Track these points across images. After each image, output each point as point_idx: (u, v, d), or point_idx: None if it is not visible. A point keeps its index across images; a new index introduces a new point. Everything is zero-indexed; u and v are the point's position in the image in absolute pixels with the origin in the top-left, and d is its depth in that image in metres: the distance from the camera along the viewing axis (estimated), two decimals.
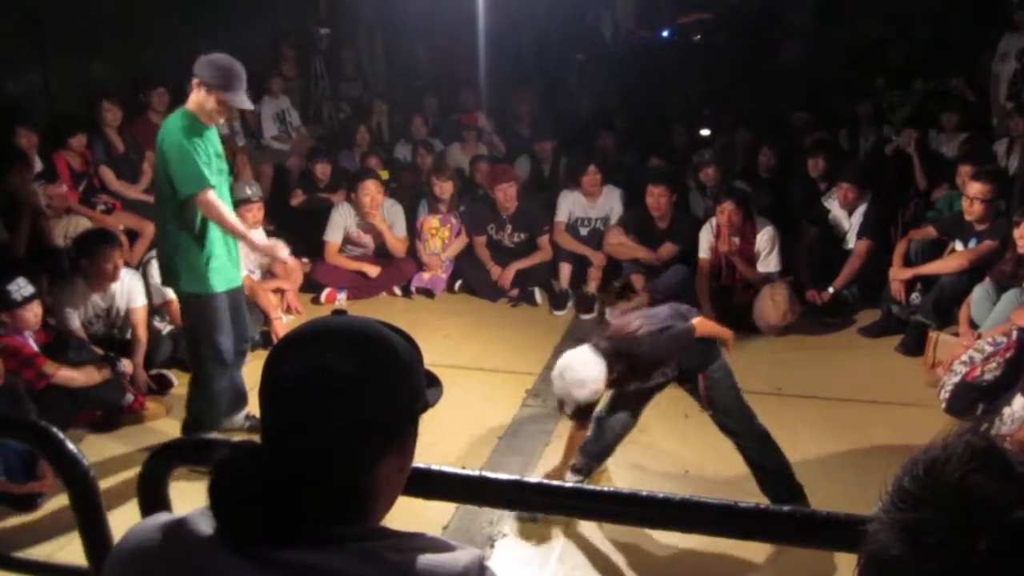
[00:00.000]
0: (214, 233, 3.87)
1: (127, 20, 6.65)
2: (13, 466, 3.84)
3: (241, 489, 1.05)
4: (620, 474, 4.06)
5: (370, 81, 9.68)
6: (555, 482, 1.87)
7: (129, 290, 4.90)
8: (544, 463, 4.20)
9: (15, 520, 3.79)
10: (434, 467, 1.86)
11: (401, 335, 1.18)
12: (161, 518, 1.13)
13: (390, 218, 6.45)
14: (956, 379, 4.34)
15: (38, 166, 5.68)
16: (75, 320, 4.69)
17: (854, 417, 4.52)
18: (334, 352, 1.08)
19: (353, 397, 1.07)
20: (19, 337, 4.24)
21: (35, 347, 4.31)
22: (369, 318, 1.20)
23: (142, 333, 4.88)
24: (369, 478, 1.10)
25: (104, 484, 2.22)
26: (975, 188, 5.05)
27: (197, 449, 2.02)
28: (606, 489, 1.83)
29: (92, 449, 4.15)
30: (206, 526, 1.07)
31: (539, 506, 1.90)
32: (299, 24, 8.86)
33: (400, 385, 1.13)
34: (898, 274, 5.30)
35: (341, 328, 1.14)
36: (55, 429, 2.17)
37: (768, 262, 5.64)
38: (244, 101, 3.76)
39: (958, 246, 5.28)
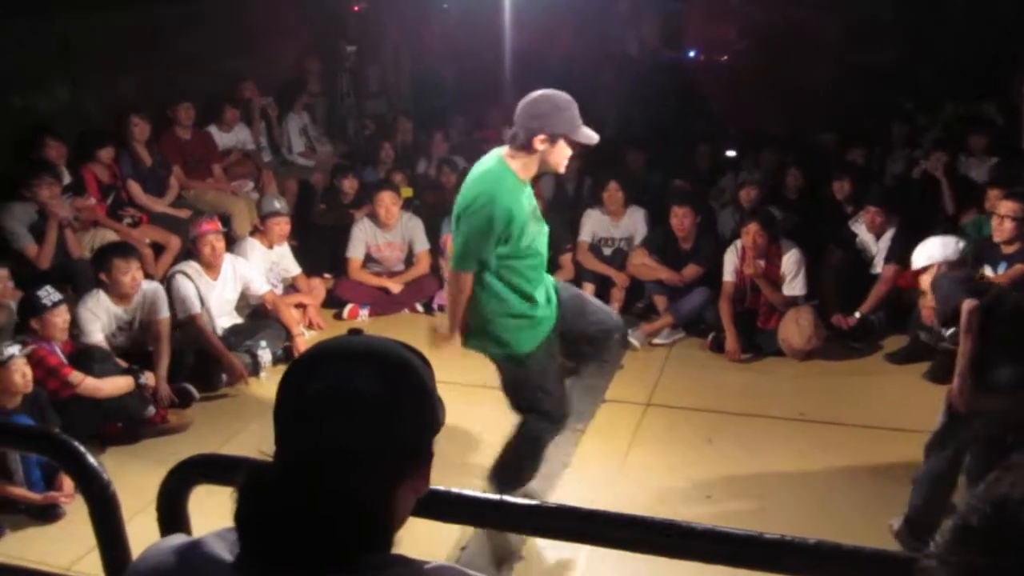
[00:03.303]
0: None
1: (155, 37, 6.73)
2: (35, 476, 3.88)
3: (270, 516, 1.03)
4: (642, 498, 4.01)
5: (395, 98, 9.73)
6: (573, 506, 1.84)
7: (151, 302, 4.93)
8: (564, 484, 4.17)
9: (36, 530, 3.82)
10: (454, 490, 1.84)
11: (417, 355, 1.17)
12: (176, 540, 1.12)
13: (409, 232, 6.47)
14: None
15: (66, 179, 5.75)
16: (98, 333, 4.72)
17: (879, 445, 4.45)
18: (361, 375, 1.07)
19: (382, 421, 1.07)
20: (45, 346, 4.28)
21: (61, 357, 4.35)
22: (387, 338, 1.19)
23: (164, 346, 4.90)
24: (392, 502, 1.09)
25: (124, 497, 2.21)
26: (1007, 206, 4.98)
27: (217, 466, 2.01)
28: (626, 516, 1.80)
29: (113, 461, 4.16)
30: (221, 549, 1.05)
31: (557, 531, 1.87)
32: (327, 41, 8.95)
33: (423, 407, 1.13)
34: (929, 301, 5.22)
35: (365, 349, 1.13)
36: (76, 442, 2.17)
37: (793, 285, 5.58)
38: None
39: (987, 271, 5.20)
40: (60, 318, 4.36)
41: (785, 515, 3.83)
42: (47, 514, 3.84)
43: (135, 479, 3.89)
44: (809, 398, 4.95)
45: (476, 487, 3.92)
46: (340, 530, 1.02)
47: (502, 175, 3.25)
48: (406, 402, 1.09)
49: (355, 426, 1.05)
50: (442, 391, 1.22)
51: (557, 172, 3.42)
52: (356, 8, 9.68)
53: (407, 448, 1.10)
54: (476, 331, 3.51)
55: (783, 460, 4.37)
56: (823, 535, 3.67)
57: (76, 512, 3.69)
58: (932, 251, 4.24)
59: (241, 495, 1.04)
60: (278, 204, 5.95)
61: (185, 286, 5.20)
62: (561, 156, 3.27)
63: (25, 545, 3.72)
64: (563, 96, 3.24)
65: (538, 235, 3.44)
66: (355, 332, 1.32)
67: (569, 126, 3.21)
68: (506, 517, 1.86)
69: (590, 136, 3.26)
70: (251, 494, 1.04)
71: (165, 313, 4.97)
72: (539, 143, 3.19)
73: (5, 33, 5.60)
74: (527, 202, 3.35)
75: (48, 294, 4.32)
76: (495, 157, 3.32)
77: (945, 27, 8.90)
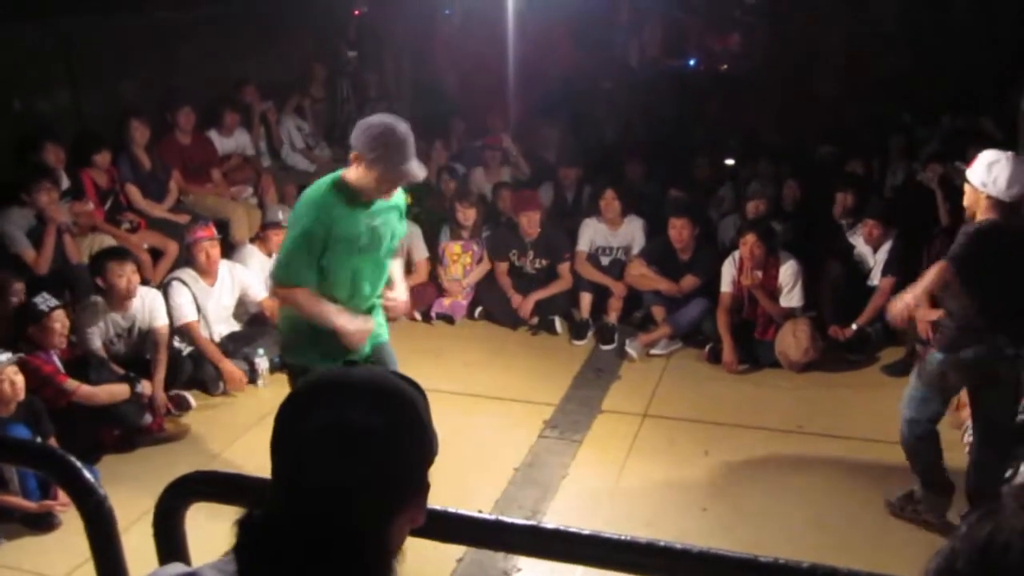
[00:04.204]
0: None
1: (157, 42, 6.73)
2: (31, 485, 3.87)
3: (270, 552, 1.03)
4: (638, 510, 4.02)
5: (395, 104, 9.73)
6: (572, 529, 1.84)
7: (150, 309, 4.92)
8: (561, 495, 4.17)
9: (32, 540, 3.81)
10: (450, 509, 1.84)
11: (413, 385, 1.18)
12: (173, 570, 1.12)
13: (408, 240, 6.44)
14: None
15: (65, 183, 5.74)
16: (96, 339, 4.71)
17: (876, 457, 4.45)
18: (360, 408, 1.07)
19: (382, 455, 1.07)
20: (41, 355, 4.28)
21: (58, 365, 4.35)
22: (384, 369, 1.20)
23: (162, 353, 4.90)
24: (389, 534, 1.10)
25: (120, 507, 2.20)
26: None
27: (214, 484, 2.01)
28: (623, 538, 1.80)
29: (109, 470, 4.17)
30: None
31: (553, 553, 1.87)
32: (327, 46, 8.95)
33: (421, 439, 1.14)
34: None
35: (363, 382, 1.13)
36: (71, 457, 2.17)
37: (791, 297, 5.59)
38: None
39: None
40: (58, 323, 4.35)
41: (782, 528, 3.84)
42: (43, 523, 3.83)
43: (131, 488, 3.90)
44: (806, 410, 4.96)
45: (470, 495, 3.94)
46: (340, 565, 1.03)
47: (330, 189, 3.27)
48: (405, 435, 1.10)
49: (356, 461, 1.05)
50: (436, 401, 1.22)
51: (380, 196, 3.32)
52: (357, 12, 9.70)
53: (406, 481, 1.11)
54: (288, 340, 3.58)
55: (780, 472, 4.37)
56: (820, 549, 3.69)
57: (72, 522, 3.68)
58: (994, 176, 3.46)
59: (242, 528, 1.04)
60: (281, 215, 5.94)
61: (180, 293, 5.20)
62: (374, 182, 3.22)
63: (21, 555, 3.72)
64: (392, 129, 3.17)
65: (362, 264, 3.40)
66: (351, 363, 1.33)
67: (381, 157, 3.16)
68: (503, 538, 1.86)
69: (406, 173, 3.19)
70: (252, 527, 1.04)
71: (163, 320, 4.96)
72: (354, 161, 3.22)
73: (6, 36, 5.60)
74: (361, 223, 3.31)
75: (44, 300, 4.32)
76: (337, 172, 3.36)
77: (945, 41, 8.92)
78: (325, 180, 3.34)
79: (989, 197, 3.50)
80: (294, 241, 3.28)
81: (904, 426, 3.85)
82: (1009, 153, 3.54)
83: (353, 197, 3.27)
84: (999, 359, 3.53)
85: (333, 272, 3.33)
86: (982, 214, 3.56)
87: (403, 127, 3.19)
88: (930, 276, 3.62)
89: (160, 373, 4.84)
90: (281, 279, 3.36)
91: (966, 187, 3.66)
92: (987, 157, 3.55)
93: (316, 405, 1.08)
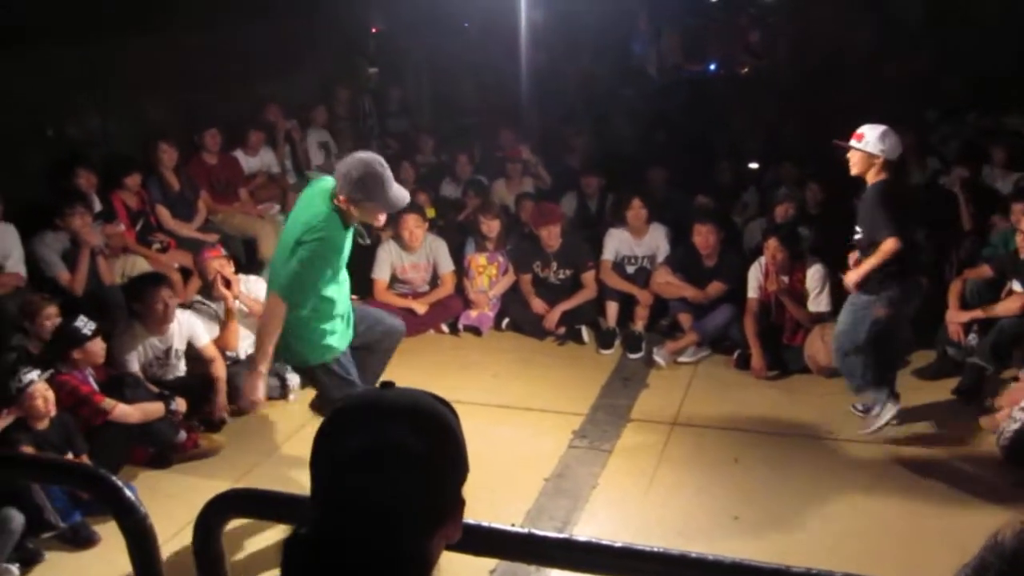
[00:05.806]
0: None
1: (182, 65, 6.83)
2: (60, 504, 3.91)
3: (315, 572, 1.06)
4: (669, 519, 4.01)
5: (416, 116, 9.80)
6: (604, 541, 1.86)
7: (189, 329, 4.98)
8: (591, 506, 4.18)
9: (72, 556, 3.87)
10: (483, 523, 1.86)
11: (446, 406, 1.20)
12: None
13: (434, 253, 6.50)
14: (1016, 426, 4.23)
15: (97, 206, 5.85)
16: (134, 363, 4.76)
17: (908, 463, 4.42)
18: (399, 430, 1.09)
19: (422, 475, 1.10)
20: (78, 375, 4.36)
21: (94, 384, 4.42)
22: (419, 390, 1.22)
23: (219, 368, 4.99)
24: (428, 552, 1.12)
25: (157, 522, 2.25)
26: None
27: (252, 501, 2.05)
28: (655, 550, 1.82)
29: (145, 486, 4.22)
30: None
31: (585, 565, 1.89)
32: (350, 66, 9.03)
33: (459, 459, 1.16)
34: (956, 317, 5.18)
35: (400, 404, 1.15)
36: (113, 477, 2.22)
37: (818, 301, 5.55)
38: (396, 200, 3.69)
39: (1016, 286, 5.15)
40: (99, 346, 4.47)
41: (814, 536, 3.82)
42: (81, 540, 3.89)
43: (167, 504, 3.97)
44: (836, 415, 4.92)
45: (500, 507, 3.96)
46: None
47: (333, 215, 3.65)
48: (443, 456, 1.13)
49: (398, 482, 1.08)
50: (464, 412, 1.24)
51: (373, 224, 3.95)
52: (375, 29, 9.80)
53: (445, 499, 1.14)
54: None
55: (811, 479, 4.35)
56: (853, 556, 3.66)
57: (110, 537, 3.74)
58: (888, 143, 4.28)
59: (288, 550, 1.07)
60: None
61: (204, 311, 5.28)
62: (365, 215, 3.71)
63: (61, 571, 3.78)
64: (371, 169, 3.57)
65: (343, 275, 3.92)
66: (387, 385, 1.36)
67: (368, 196, 3.58)
68: (535, 551, 1.89)
69: (393, 204, 3.66)
70: (297, 547, 1.07)
71: (205, 338, 5.03)
72: (343, 203, 3.61)
73: (36, 63, 5.72)
74: (349, 241, 3.82)
75: (85, 323, 4.40)
76: (326, 197, 3.67)
77: (973, 38, 8.82)
78: (324, 209, 3.65)
79: (885, 161, 4.27)
80: (314, 266, 3.64)
81: (835, 354, 4.72)
82: (884, 125, 4.30)
83: (346, 221, 3.71)
84: (910, 295, 4.46)
85: (336, 288, 3.81)
86: (874, 176, 4.31)
87: (379, 162, 3.61)
88: (881, 252, 4.25)
89: (221, 392, 4.97)
90: (295, 302, 3.69)
91: (855, 156, 4.33)
92: (876, 130, 4.27)
93: (356, 426, 1.11)
